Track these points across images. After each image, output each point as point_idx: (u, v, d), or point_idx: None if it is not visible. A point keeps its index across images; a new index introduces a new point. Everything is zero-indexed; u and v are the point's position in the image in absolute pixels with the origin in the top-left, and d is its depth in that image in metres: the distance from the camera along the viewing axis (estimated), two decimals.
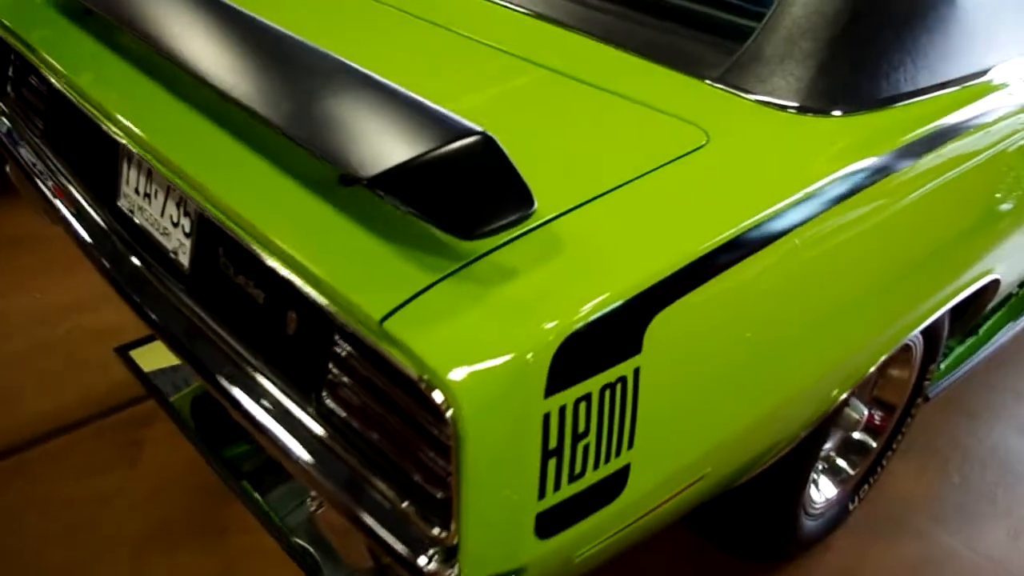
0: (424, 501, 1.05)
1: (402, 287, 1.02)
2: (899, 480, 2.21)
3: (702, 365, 1.18)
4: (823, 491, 1.95)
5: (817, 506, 1.92)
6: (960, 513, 2.16)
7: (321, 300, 1.09)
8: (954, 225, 1.60)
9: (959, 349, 2.32)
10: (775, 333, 1.28)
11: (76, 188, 1.71)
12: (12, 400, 2.30)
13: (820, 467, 1.93)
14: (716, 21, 1.63)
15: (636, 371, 1.07)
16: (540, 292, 1.04)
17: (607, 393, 1.05)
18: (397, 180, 1.00)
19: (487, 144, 1.01)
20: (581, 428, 1.04)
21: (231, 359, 1.31)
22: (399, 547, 1.05)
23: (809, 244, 1.25)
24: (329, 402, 1.16)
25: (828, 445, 1.92)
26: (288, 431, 1.19)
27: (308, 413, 1.19)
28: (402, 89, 1.13)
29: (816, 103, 1.36)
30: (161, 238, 1.48)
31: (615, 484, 1.12)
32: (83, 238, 1.62)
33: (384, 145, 1.05)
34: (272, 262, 1.16)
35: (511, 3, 1.71)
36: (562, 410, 1.01)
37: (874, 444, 2.00)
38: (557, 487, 1.04)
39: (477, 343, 0.98)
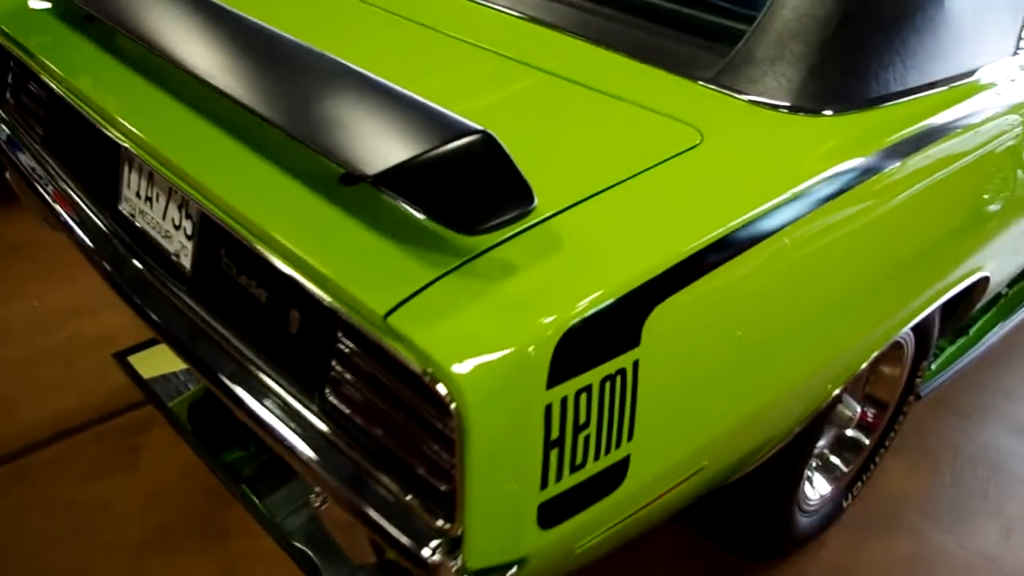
0: (428, 494, 1.06)
1: (405, 283, 1.04)
2: (892, 478, 2.22)
3: (699, 358, 1.20)
4: (817, 488, 1.96)
5: (811, 503, 1.94)
6: (952, 511, 2.17)
7: (325, 297, 1.11)
8: (943, 223, 1.62)
9: (950, 349, 2.35)
10: (768, 328, 1.30)
11: (77, 193, 1.72)
12: (12, 406, 2.30)
13: (814, 464, 1.94)
14: (708, 24, 1.65)
15: (635, 363, 1.09)
16: (541, 286, 1.05)
17: (607, 385, 1.07)
18: (400, 177, 1.02)
19: (488, 142, 1.03)
20: (582, 419, 1.06)
21: (234, 359, 1.33)
22: (404, 539, 1.06)
23: (801, 241, 1.28)
24: (332, 399, 1.17)
25: (822, 442, 1.94)
26: (292, 429, 1.20)
27: (312, 410, 1.20)
28: (403, 90, 1.15)
29: (807, 103, 1.38)
30: (163, 241, 1.49)
31: (615, 475, 1.13)
32: (85, 243, 1.63)
33: (387, 144, 1.07)
34: (275, 261, 1.18)
35: (506, 7, 1.73)
36: (564, 401, 1.03)
37: (867, 441, 2.02)
38: (559, 477, 1.06)
39: (480, 336, 1.00)
